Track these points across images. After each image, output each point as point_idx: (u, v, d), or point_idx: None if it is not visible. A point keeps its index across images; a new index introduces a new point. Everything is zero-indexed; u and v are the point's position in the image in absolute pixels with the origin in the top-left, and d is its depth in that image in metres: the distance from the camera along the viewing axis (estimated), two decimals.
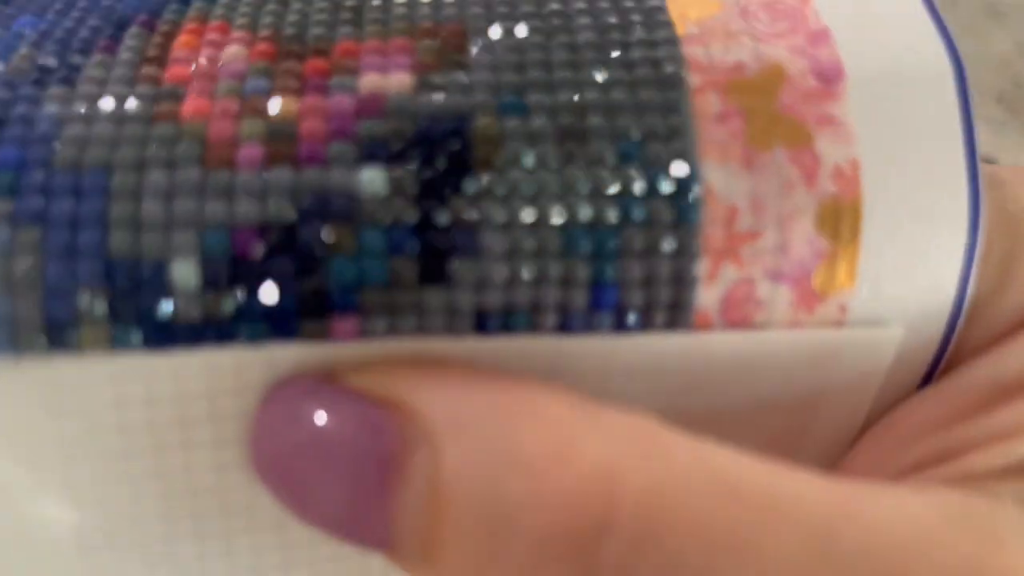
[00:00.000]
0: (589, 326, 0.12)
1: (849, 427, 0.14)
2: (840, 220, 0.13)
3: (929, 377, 0.14)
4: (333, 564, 0.14)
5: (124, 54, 0.13)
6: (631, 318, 0.12)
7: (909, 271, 0.13)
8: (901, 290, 0.13)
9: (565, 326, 0.12)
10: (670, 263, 0.12)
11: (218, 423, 0.12)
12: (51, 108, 0.12)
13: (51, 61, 0.13)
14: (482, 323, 0.12)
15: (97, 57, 0.13)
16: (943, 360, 0.14)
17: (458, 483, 0.11)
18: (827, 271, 0.13)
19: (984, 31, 0.56)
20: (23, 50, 0.13)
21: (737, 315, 0.13)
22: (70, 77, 0.13)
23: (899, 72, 0.13)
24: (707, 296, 0.13)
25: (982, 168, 0.14)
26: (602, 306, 0.12)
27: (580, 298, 0.12)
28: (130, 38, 0.13)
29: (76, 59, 0.13)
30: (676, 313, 0.13)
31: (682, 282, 0.12)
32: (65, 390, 0.12)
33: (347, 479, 0.12)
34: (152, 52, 0.13)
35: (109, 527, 0.13)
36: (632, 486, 0.11)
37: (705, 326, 0.13)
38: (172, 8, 0.14)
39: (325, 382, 0.12)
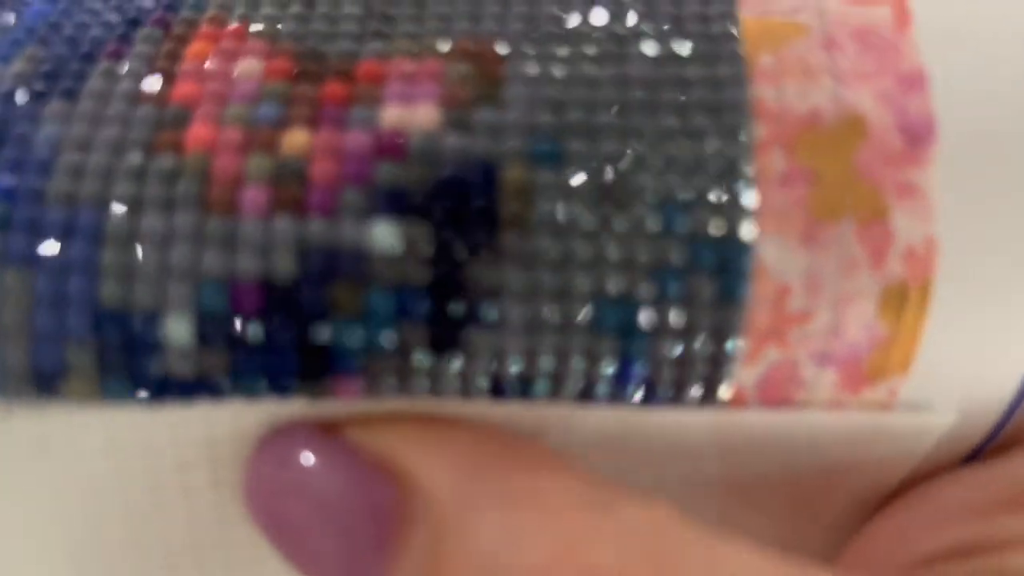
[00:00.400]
0: (614, 399, 0.11)
1: (873, 500, 0.13)
2: (904, 306, 0.11)
3: (973, 458, 0.13)
4: None
5: (132, 63, 0.12)
6: (661, 393, 0.11)
7: (973, 358, 0.12)
8: (960, 376, 0.12)
9: (588, 395, 0.11)
10: (708, 343, 0.11)
11: (218, 471, 0.12)
12: (50, 129, 0.11)
13: (56, 66, 0.12)
14: (499, 389, 0.11)
15: (103, 64, 0.12)
16: (989, 446, 0.13)
17: (457, 571, 0.11)
18: (882, 357, 0.12)
19: None
20: (30, 48, 0.12)
21: (776, 395, 0.12)
22: (73, 89, 0.12)
23: (1003, 136, 0.11)
24: (745, 375, 0.11)
25: None
26: (629, 381, 0.11)
27: (608, 372, 0.11)
28: (140, 42, 0.12)
29: (82, 65, 0.12)
30: (710, 392, 0.11)
31: (719, 363, 0.11)
32: (55, 438, 0.11)
33: (342, 536, 0.11)
34: (161, 63, 0.12)
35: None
36: None
37: (740, 403, 0.12)
38: (191, 3, 0.12)
39: (323, 433, 0.11)
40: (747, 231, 0.11)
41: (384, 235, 0.11)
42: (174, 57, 0.12)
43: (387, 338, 0.11)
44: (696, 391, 0.11)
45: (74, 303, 0.11)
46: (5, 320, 0.11)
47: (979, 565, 0.12)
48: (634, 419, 0.12)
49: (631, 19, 0.12)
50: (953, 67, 0.11)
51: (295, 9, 0.12)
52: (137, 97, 0.11)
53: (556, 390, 0.11)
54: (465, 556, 0.11)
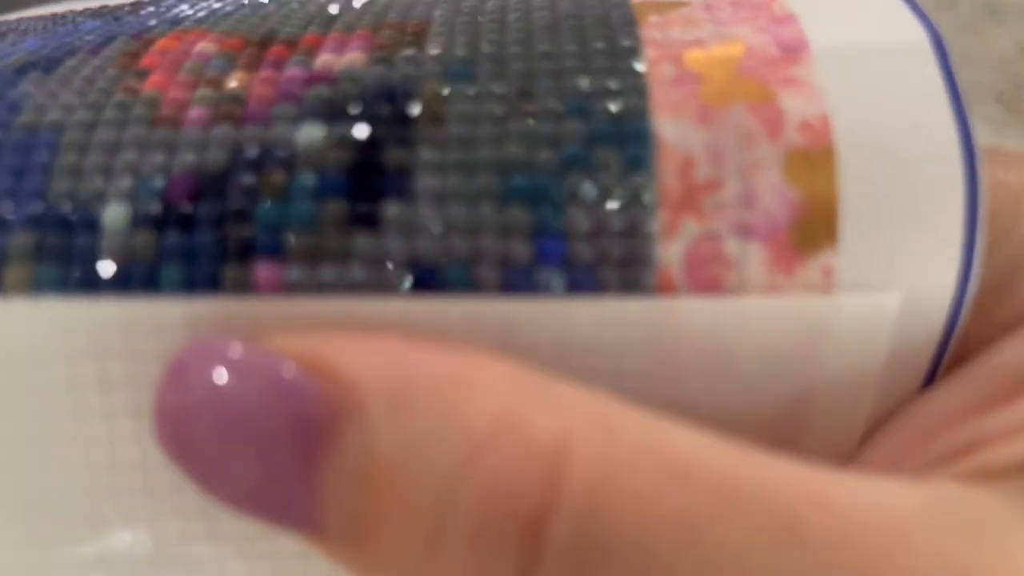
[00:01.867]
0: (534, 283, 0.11)
1: (850, 427, 0.12)
2: (812, 168, 0.12)
3: (938, 362, 0.12)
4: (269, 561, 0.12)
5: (105, 54, 0.14)
6: (582, 276, 0.11)
7: (900, 231, 0.12)
8: (894, 252, 0.12)
9: (507, 284, 0.11)
10: (622, 213, 0.11)
11: (140, 390, 0.12)
12: (26, 87, 0.13)
13: (39, 59, 0.14)
14: (417, 279, 0.11)
15: (80, 55, 0.14)
16: (953, 338, 0.12)
17: (395, 459, 0.10)
18: (804, 226, 0.12)
19: (984, 31, 0.55)
20: (19, 55, 0.14)
21: (704, 276, 0.12)
22: (50, 68, 0.13)
23: (869, 42, 0.12)
24: (667, 252, 0.11)
25: (1007, 151, 0.13)
26: (547, 259, 0.11)
27: (522, 250, 0.11)
28: (115, 45, 0.14)
29: (62, 56, 0.14)
30: (633, 272, 0.11)
31: (637, 235, 0.11)
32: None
33: (261, 450, 0.11)
34: (131, 48, 0.13)
35: (27, 499, 0.12)
36: (579, 462, 0.10)
37: (668, 288, 0.12)
38: (160, 28, 0.14)
39: (238, 342, 0.11)
40: (643, 108, 0.12)
41: (309, 131, 0.12)
42: (144, 47, 0.14)
43: (306, 213, 0.11)
44: (618, 274, 0.11)
45: (25, 197, 0.12)
46: None
47: (966, 465, 0.11)
48: (564, 326, 0.11)
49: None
50: (814, 10, 0.13)
51: (251, 21, 0.14)
52: (105, 68, 0.13)
53: (474, 277, 0.11)
54: (400, 441, 0.10)
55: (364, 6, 0.14)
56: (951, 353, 0.12)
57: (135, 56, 0.13)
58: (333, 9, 0.14)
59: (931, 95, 0.12)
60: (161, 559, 0.12)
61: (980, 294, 0.12)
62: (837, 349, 0.12)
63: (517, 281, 0.11)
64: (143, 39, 0.14)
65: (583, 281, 0.11)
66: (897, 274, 0.12)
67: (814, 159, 0.12)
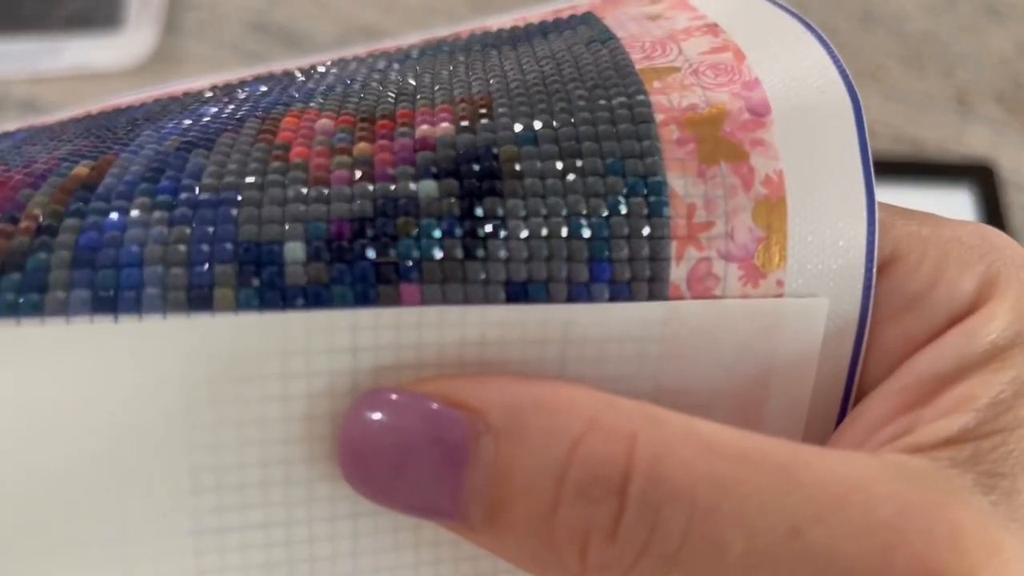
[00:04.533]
0: (590, 295, 0.16)
1: (798, 403, 0.18)
2: (771, 214, 0.17)
3: (857, 357, 0.17)
4: (392, 516, 0.17)
5: (245, 130, 0.18)
6: (623, 289, 0.16)
7: (826, 254, 0.17)
8: (822, 269, 0.17)
9: (571, 295, 0.16)
10: (648, 244, 0.16)
11: (312, 379, 0.16)
12: (196, 160, 0.17)
13: (196, 138, 0.18)
14: (510, 294, 0.16)
15: (227, 135, 0.18)
16: (865, 336, 0.17)
17: (518, 456, 0.16)
18: (765, 253, 0.17)
19: (984, 31, 0.58)
20: (171, 140, 0.18)
21: (700, 287, 0.17)
22: (209, 146, 0.17)
23: (811, 109, 0.17)
24: (677, 272, 0.16)
25: (925, 212, 0.18)
26: (599, 278, 0.16)
27: (582, 272, 0.16)
28: (248, 123, 0.18)
29: (211, 137, 0.18)
30: (655, 285, 0.17)
31: (657, 259, 0.17)
32: (197, 341, 0.16)
33: (424, 466, 0.16)
34: (266, 127, 0.18)
35: (217, 470, 0.16)
36: (644, 443, 0.15)
37: (677, 296, 0.17)
38: (278, 109, 0.19)
39: (401, 390, 0.16)
40: (660, 166, 0.17)
41: (426, 186, 0.16)
42: (275, 124, 0.18)
43: (435, 250, 0.16)
44: (646, 287, 0.16)
45: (219, 241, 0.16)
46: (170, 256, 0.16)
47: (902, 445, 0.16)
48: (608, 323, 0.16)
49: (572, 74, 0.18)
50: (773, 76, 0.18)
51: (352, 100, 0.19)
52: (252, 143, 0.17)
53: (549, 292, 0.16)
54: (521, 443, 0.16)
55: (428, 82, 0.19)
56: (868, 352, 0.17)
57: (271, 133, 0.18)
58: (403, 81, 0.18)
59: (848, 154, 0.17)
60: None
61: (897, 316, 0.17)
62: (788, 337, 0.17)
63: (577, 294, 0.16)
64: (268, 119, 0.18)
65: (622, 292, 0.16)
66: (824, 286, 0.17)
67: (772, 206, 0.17)
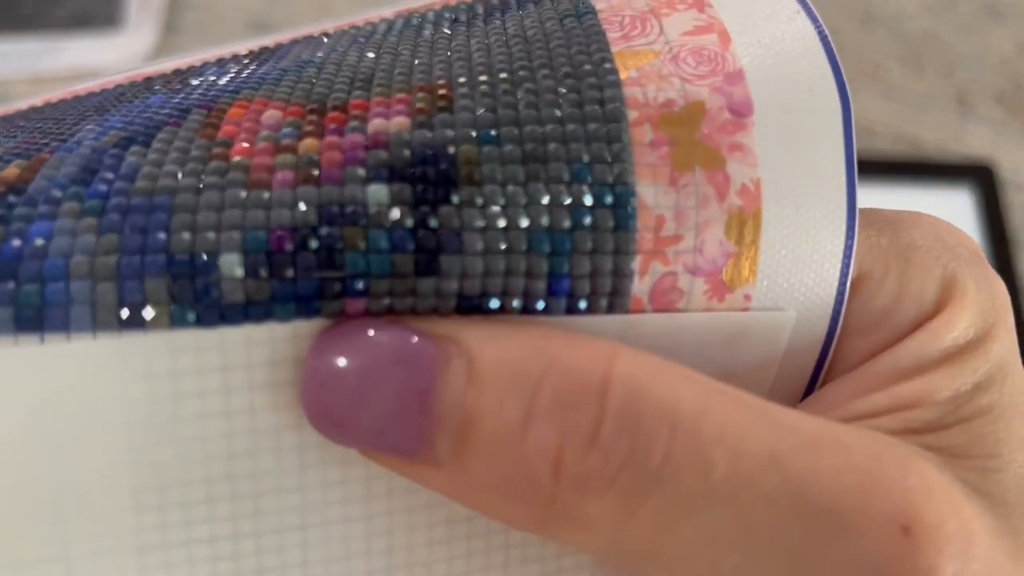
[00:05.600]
0: (547, 309, 0.16)
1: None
2: (744, 227, 0.16)
3: (821, 365, 0.17)
4: (342, 525, 0.17)
5: (187, 124, 0.16)
6: (581, 303, 0.16)
7: (799, 269, 0.16)
8: (793, 284, 0.16)
9: (527, 309, 0.16)
10: (611, 259, 0.16)
11: (254, 392, 0.15)
12: (131, 159, 0.16)
13: (133, 134, 0.16)
14: (461, 306, 0.16)
15: (167, 129, 0.16)
16: (831, 347, 0.17)
17: (491, 375, 0.15)
18: (734, 268, 0.16)
19: (984, 31, 0.57)
20: (109, 135, 0.17)
21: (663, 301, 0.16)
22: (146, 141, 0.16)
23: (797, 109, 0.16)
24: (640, 286, 0.16)
25: (881, 211, 0.17)
26: (557, 293, 0.16)
27: (540, 286, 0.16)
28: (192, 116, 0.17)
29: (151, 131, 0.16)
30: (616, 299, 0.16)
31: (620, 275, 0.16)
32: (131, 361, 0.15)
33: (389, 395, 0.15)
34: (208, 120, 0.16)
35: (160, 488, 0.16)
36: (623, 362, 0.15)
37: (637, 310, 0.16)
38: (225, 98, 0.17)
39: (370, 320, 0.15)
40: (629, 174, 0.16)
41: (376, 191, 0.15)
42: (219, 117, 0.17)
43: (383, 265, 0.15)
44: (606, 301, 0.16)
45: (151, 252, 0.15)
46: (98, 269, 0.15)
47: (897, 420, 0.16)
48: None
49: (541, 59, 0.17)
50: (759, 67, 0.17)
51: (304, 86, 0.17)
52: (192, 138, 0.16)
53: (504, 305, 0.16)
54: (494, 358, 0.15)
55: (387, 64, 0.17)
56: (833, 363, 0.17)
57: (214, 127, 0.16)
58: (361, 63, 0.17)
59: (832, 163, 0.16)
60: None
61: (862, 327, 0.17)
62: (750, 347, 0.17)
63: (532, 307, 0.16)
64: (214, 109, 0.17)
65: (579, 306, 0.16)
66: (794, 300, 0.16)
67: (745, 219, 0.16)
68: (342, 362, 0.15)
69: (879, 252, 0.17)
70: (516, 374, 0.15)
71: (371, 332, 0.15)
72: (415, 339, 0.15)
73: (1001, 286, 0.18)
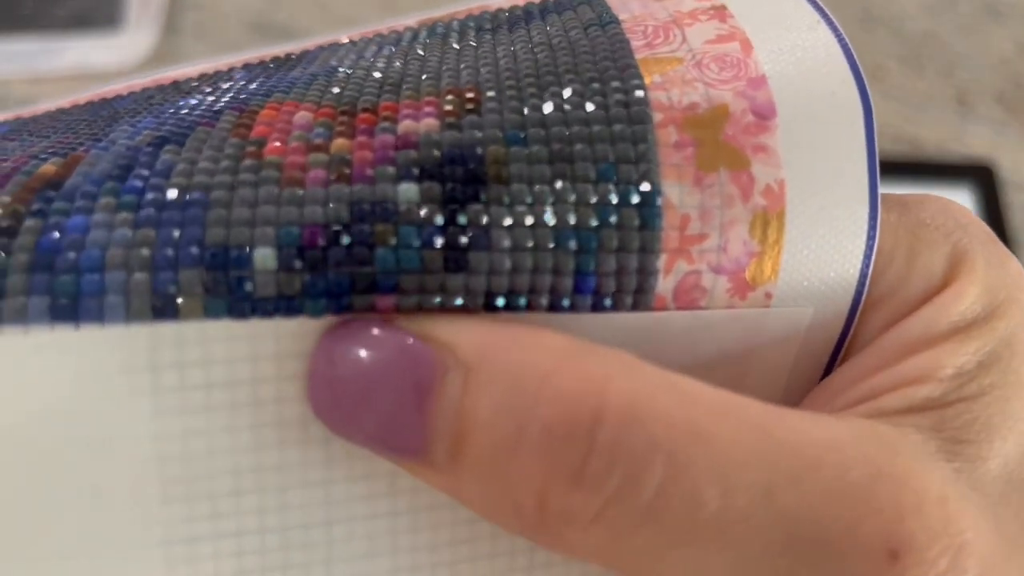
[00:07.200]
0: (573, 307, 0.16)
1: (771, 393, 0.17)
2: (768, 227, 0.16)
3: (837, 353, 0.17)
4: (368, 522, 0.17)
5: (221, 124, 0.17)
6: (606, 301, 0.16)
7: (820, 268, 0.17)
8: (814, 282, 0.17)
9: (554, 306, 0.16)
10: (637, 258, 0.16)
11: (283, 383, 0.16)
12: (166, 156, 0.16)
13: (167, 134, 0.17)
14: (489, 303, 0.16)
15: (200, 129, 0.17)
16: (847, 339, 0.17)
17: (485, 390, 0.15)
18: (757, 267, 0.16)
19: (984, 31, 0.57)
20: (143, 134, 0.17)
21: (686, 299, 0.16)
22: (180, 141, 0.16)
23: (820, 112, 0.17)
24: (664, 284, 0.16)
25: (891, 194, 0.18)
26: (583, 290, 0.16)
27: (567, 284, 0.16)
28: (224, 116, 0.17)
29: (184, 130, 0.17)
30: (641, 297, 0.16)
31: (645, 273, 0.16)
32: (163, 349, 0.15)
33: (391, 396, 0.15)
34: (242, 120, 0.17)
35: (188, 480, 0.16)
36: (617, 388, 0.15)
37: (661, 307, 0.16)
38: (257, 100, 0.17)
39: (377, 321, 0.16)
40: (655, 173, 0.16)
41: (407, 190, 0.16)
42: (251, 118, 0.17)
43: (413, 261, 0.16)
44: (631, 299, 0.16)
45: (186, 245, 0.15)
46: (134, 261, 0.15)
47: (865, 410, 0.16)
48: (589, 333, 0.16)
49: (567, 64, 0.17)
50: (781, 73, 0.17)
51: (334, 90, 0.18)
52: (226, 138, 0.16)
53: (531, 302, 0.16)
54: (489, 378, 0.15)
55: (415, 70, 0.18)
56: (848, 345, 0.17)
57: (247, 127, 0.16)
58: (390, 68, 0.17)
59: (855, 164, 0.17)
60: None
61: (872, 301, 0.17)
62: (769, 342, 0.17)
63: (559, 304, 0.16)
64: (245, 111, 0.17)
65: (604, 303, 0.16)
66: (813, 297, 0.17)
67: (770, 219, 0.16)
68: (346, 358, 0.16)
69: (888, 228, 0.17)
70: (510, 391, 0.15)
71: (375, 331, 0.16)
72: (414, 344, 0.15)
73: (1015, 265, 0.18)
